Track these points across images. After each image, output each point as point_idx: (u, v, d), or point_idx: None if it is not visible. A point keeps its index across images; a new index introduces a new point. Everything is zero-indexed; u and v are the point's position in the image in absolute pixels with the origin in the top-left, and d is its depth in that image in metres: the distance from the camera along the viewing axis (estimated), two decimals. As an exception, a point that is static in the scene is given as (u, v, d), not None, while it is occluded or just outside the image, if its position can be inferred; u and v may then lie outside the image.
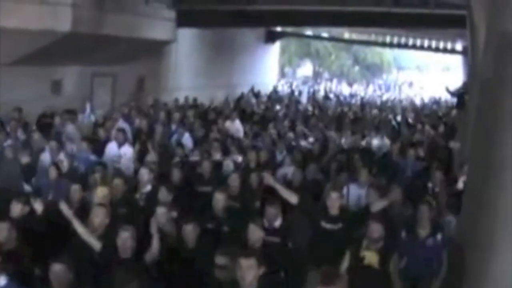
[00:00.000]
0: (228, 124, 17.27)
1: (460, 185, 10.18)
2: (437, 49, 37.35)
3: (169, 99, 20.92)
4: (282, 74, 47.05)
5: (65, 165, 11.39)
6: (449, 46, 36.03)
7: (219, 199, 8.55)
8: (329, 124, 19.48)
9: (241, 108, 22.88)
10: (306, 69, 55.56)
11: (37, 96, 16.51)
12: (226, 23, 24.42)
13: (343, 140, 16.49)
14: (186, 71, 24.69)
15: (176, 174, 10.52)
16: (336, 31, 39.11)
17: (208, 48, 26.68)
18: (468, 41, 11.48)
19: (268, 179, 8.83)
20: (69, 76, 18.34)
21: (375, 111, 25.24)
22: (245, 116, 20.13)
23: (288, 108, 24.61)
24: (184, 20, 21.80)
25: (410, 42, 36.77)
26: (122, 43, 18.23)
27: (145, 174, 10.18)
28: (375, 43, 40.90)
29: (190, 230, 7.29)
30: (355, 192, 10.29)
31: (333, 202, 8.22)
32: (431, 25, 24.74)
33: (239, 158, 12.69)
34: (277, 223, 8.13)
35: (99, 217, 7.60)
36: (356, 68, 57.30)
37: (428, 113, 26.82)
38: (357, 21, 24.51)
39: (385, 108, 27.48)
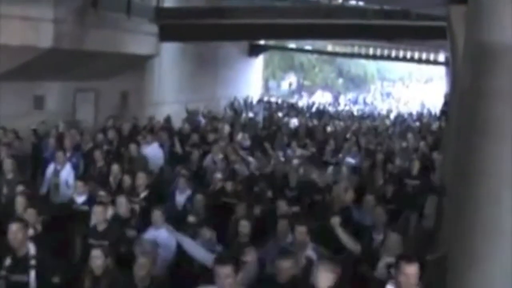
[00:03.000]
0: (145, 148, 14.36)
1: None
2: (420, 61, 37.67)
3: (153, 114, 20.84)
4: (266, 88, 47.10)
5: None
6: (431, 57, 36.33)
7: None
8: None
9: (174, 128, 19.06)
10: (290, 82, 55.70)
11: (20, 112, 16.41)
12: (208, 37, 24.47)
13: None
14: (170, 86, 24.65)
15: None
16: (320, 43, 39.29)
17: (191, 62, 26.69)
18: (449, 52, 11.54)
19: None
20: (51, 92, 18.24)
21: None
22: (180, 137, 16.47)
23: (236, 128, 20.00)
24: (166, 34, 21.83)
25: (393, 53, 37.01)
26: (105, 58, 18.19)
27: None
28: (359, 55, 41.09)
29: None
30: None
31: None
32: (413, 37, 24.91)
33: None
34: None
35: None
36: (340, 80, 57.58)
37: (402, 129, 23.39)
38: (340, 33, 24.64)
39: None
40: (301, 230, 7.66)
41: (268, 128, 21.47)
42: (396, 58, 37.95)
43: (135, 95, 22.24)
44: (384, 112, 37.65)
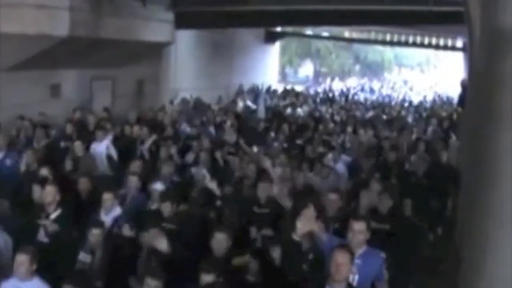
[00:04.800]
0: (96, 146, 12.21)
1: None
2: (437, 47, 37.40)
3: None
4: (283, 74, 46.92)
5: None
6: (449, 43, 36.04)
7: None
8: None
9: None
10: (307, 69, 55.51)
11: (37, 100, 16.49)
12: (224, 24, 24.41)
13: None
14: (186, 73, 24.67)
15: None
16: (336, 30, 39.08)
17: (208, 49, 26.69)
18: (467, 38, 11.43)
19: None
20: (68, 80, 18.30)
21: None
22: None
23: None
24: (182, 21, 21.78)
25: (410, 39, 36.73)
26: (121, 46, 18.21)
27: None
28: (375, 41, 40.89)
29: None
30: None
31: None
32: (430, 22, 24.66)
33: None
34: None
35: None
36: (357, 66, 57.33)
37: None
38: (357, 19, 24.46)
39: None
40: None
41: (271, 120, 19.08)
42: (414, 44, 37.68)
43: (151, 82, 22.26)
44: (395, 100, 36.21)
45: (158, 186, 9.42)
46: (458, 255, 5.88)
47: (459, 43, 34.64)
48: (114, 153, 12.16)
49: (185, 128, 16.13)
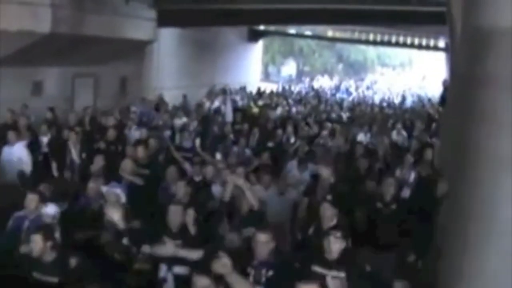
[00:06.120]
0: (5, 150, 10.90)
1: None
2: (420, 46, 37.50)
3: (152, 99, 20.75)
4: (266, 73, 46.87)
5: None
6: (432, 43, 36.16)
7: None
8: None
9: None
10: (290, 67, 55.52)
11: (18, 97, 16.34)
12: (208, 22, 24.33)
13: None
14: (169, 71, 24.59)
15: None
16: (320, 29, 39.11)
17: (191, 47, 26.60)
18: (448, 38, 11.48)
19: None
20: (50, 77, 18.22)
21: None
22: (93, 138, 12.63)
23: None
24: (165, 19, 21.73)
25: (393, 39, 36.83)
26: (103, 43, 18.13)
27: None
28: (358, 41, 40.95)
29: None
30: None
31: None
32: (413, 22, 24.78)
33: None
34: None
35: None
36: (340, 65, 57.46)
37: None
38: (340, 19, 24.52)
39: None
40: None
41: (240, 123, 17.03)
42: (396, 44, 37.77)
43: (134, 80, 22.20)
44: (372, 101, 35.05)
45: (49, 210, 7.32)
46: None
47: (442, 43, 34.81)
48: (26, 161, 10.52)
49: (134, 132, 14.00)
